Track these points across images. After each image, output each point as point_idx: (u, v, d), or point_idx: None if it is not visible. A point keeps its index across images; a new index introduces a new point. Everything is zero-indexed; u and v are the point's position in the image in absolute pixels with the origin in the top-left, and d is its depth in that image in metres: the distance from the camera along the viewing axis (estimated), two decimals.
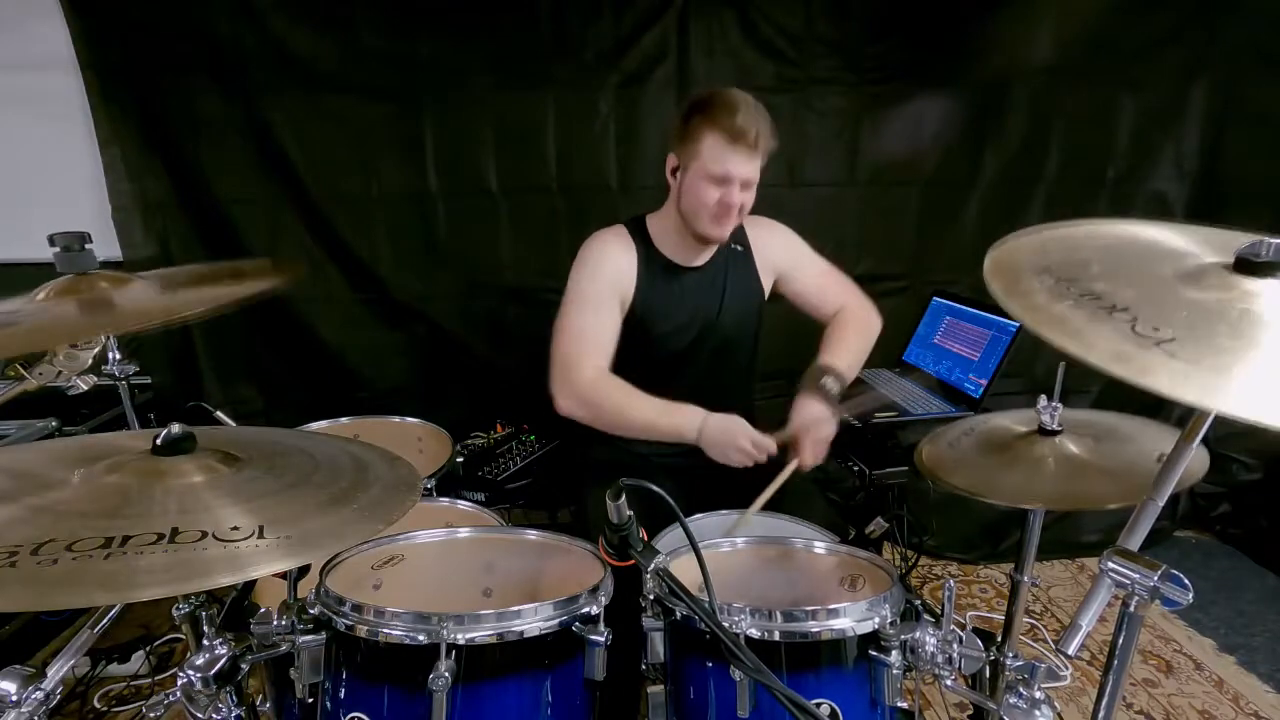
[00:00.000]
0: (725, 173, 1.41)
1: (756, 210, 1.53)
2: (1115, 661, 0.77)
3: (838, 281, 1.70)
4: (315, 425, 1.75)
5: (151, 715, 0.97)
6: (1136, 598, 0.71)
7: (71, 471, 0.79)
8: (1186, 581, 0.68)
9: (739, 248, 1.63)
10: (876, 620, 0.95)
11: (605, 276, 1.52)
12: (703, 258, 1.59)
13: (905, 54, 2.24)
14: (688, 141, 1.44)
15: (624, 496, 0.88)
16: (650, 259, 1.56)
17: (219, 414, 1.49)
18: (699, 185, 1.44)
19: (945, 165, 2.36)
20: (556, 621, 0.94)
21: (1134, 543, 0.72)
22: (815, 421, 1.42)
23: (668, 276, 1.57)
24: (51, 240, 0.99)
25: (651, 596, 1.00)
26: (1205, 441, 0.72)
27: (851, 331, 1.61)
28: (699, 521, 1.35)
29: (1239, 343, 0.60)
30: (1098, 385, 2.43)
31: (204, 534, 0.69)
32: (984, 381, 1.80)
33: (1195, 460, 1.05)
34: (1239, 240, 0.69)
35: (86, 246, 1.00)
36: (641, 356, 1.54)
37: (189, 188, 2.16)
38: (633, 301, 1.54)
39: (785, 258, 1.68)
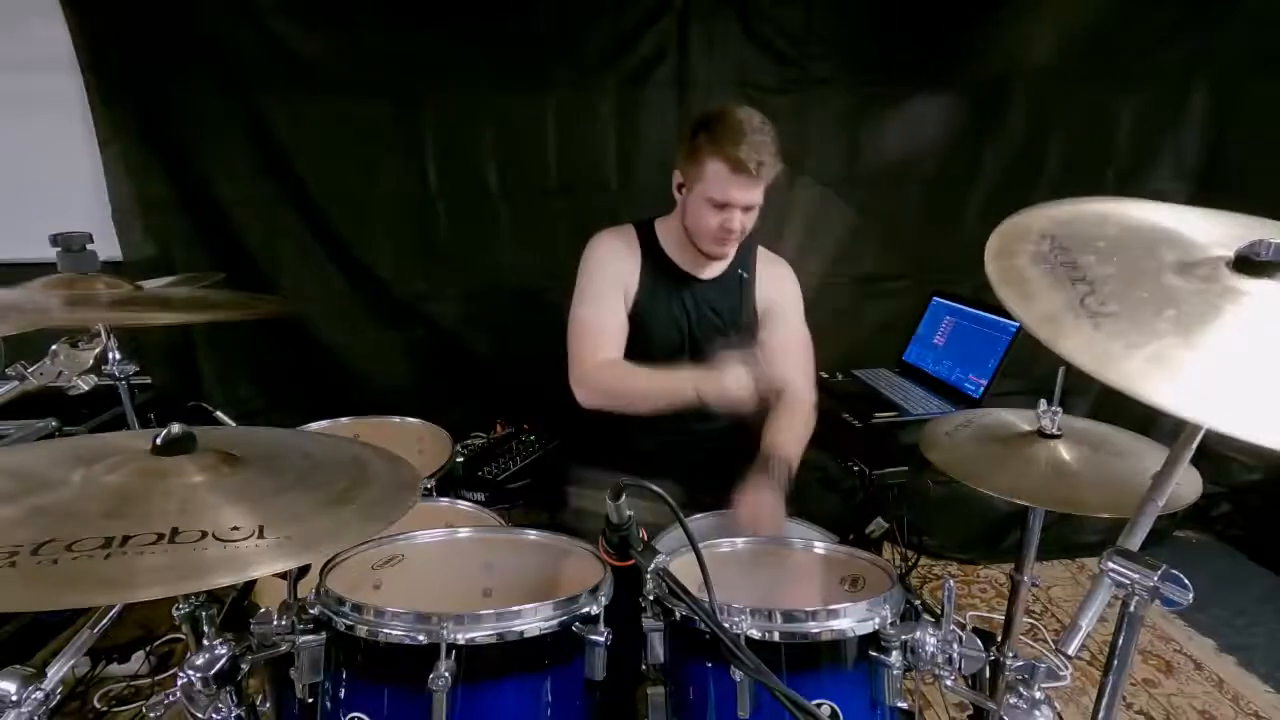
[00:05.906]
0: (726, 199, 1.42)
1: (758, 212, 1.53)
2: (1115, 661, 0.77)
3: (799, 356, 1.60)
4: (315, 425, 1.76)
5: (151, 715, 0.96)
6: (1136, 598, 0.71)
7: (71, 471, 0.79)
8: (1186, 581, 0.68)
9: (745, 274, 1.61)
10: (876, 620, 0.95)
11: (608, 273, 1.54)
12: (709, 271, 1.59)
13: (905, 54, 2.24)
14: (692, 162, 1.44)
15: (624, 496, 0.88)
16: (655, 264, 1.56)
17: (219, 414, 1.49)
18: (701, 208, 1.44)
19: (945, 165, 2.35)
20: (556, 621, 0.94)
21: (1134, 543, 0.72)
22: (760, 506, 1.33)
23: (671, 283, 1.57)
24: (54, 240, 1.00)
25: (651, 596, 1.01)
26: (1205, 441, 0.71)
27: (799, 422, 1.52)
28: (699, 522, 1.35)
29: (1173, 329, 0.58)
30: (1096, 386, 2.43)
31: (204, 534, 0.69)
32: (984, 381, 1.80)
33: (1187, 485, 1.05)
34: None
35: (88, 247, 1.00)
36: (640, 358, 1.53)
37: (189, 188, 2.15)
38: (634, 301, 1.55)
39: (777, 303, 1.62)
